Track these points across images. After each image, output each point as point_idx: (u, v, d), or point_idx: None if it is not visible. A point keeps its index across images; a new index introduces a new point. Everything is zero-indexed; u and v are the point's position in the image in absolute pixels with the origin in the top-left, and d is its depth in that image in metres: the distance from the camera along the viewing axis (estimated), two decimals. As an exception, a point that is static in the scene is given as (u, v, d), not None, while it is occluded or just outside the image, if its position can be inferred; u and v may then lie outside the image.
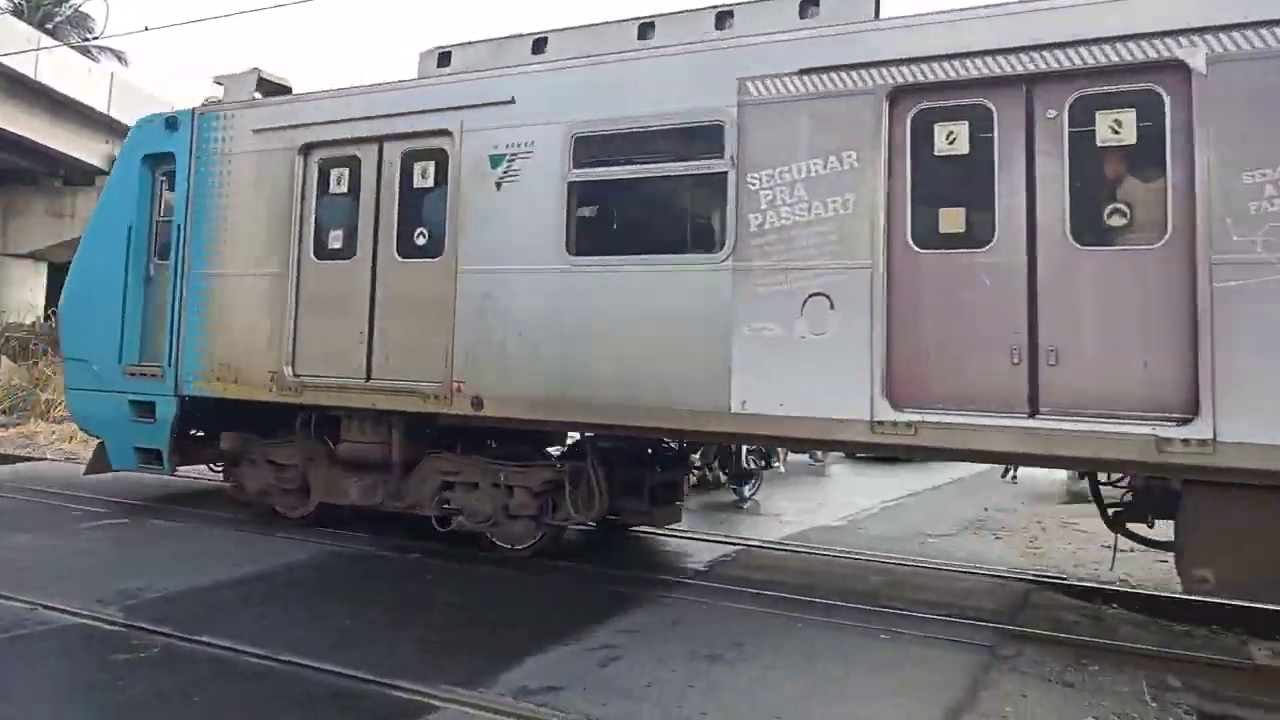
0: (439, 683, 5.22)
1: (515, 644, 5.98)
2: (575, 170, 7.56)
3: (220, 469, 10.18)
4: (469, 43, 8.55)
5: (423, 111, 8.30)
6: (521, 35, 8.28)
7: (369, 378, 8.44)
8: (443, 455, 8.48)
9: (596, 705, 5.01)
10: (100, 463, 10.31)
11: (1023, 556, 9.59)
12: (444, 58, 8.60)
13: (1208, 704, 5.10)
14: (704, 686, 5.37)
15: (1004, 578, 8.36)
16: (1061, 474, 13.19)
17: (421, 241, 8.39)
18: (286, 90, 9.77)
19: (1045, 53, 6.10)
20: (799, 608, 7.07)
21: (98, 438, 10.30)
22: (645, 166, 7.44)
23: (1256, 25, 5.57)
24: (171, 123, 9.76)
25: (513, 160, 7.81)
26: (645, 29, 7.48)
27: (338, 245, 8.85)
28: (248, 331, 9.11)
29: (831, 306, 6.56)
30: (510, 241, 7.80)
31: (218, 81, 9.88)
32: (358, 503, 8.76)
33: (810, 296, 6.63)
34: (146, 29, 19.77)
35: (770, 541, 9.77)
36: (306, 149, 8.90)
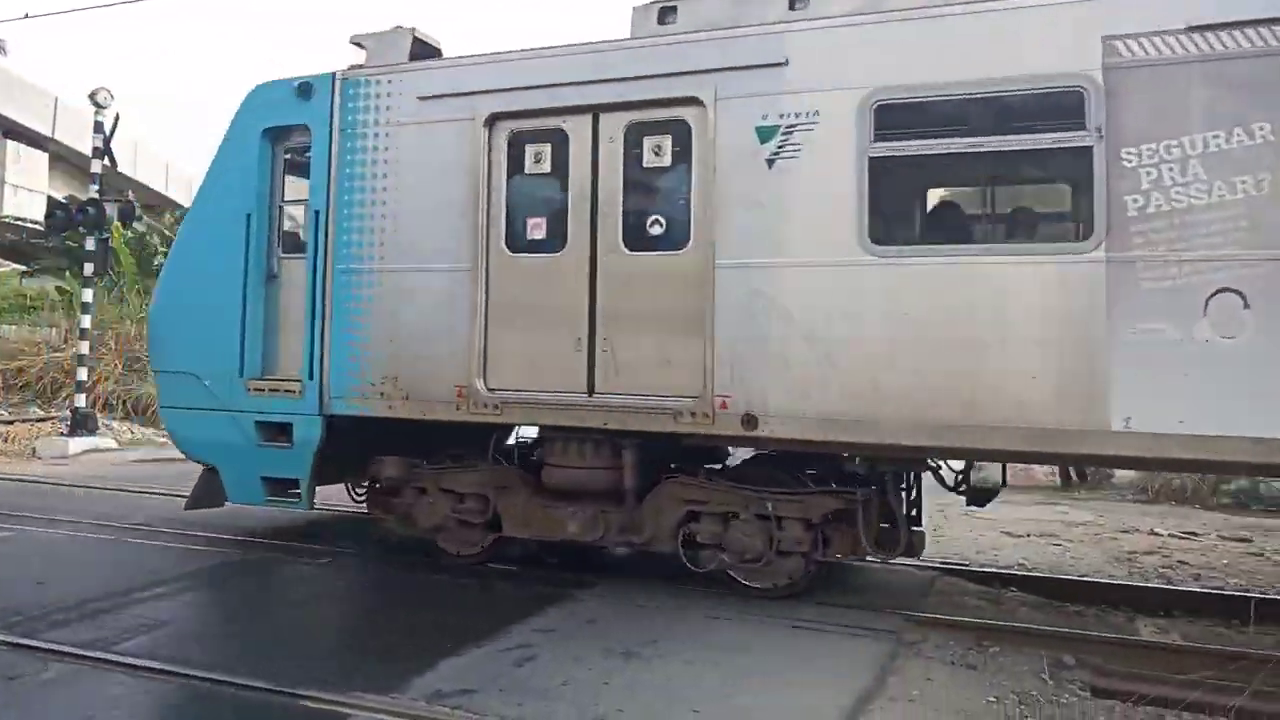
0: (350, 690, 5.14)
1: (429, 648, 5.89)
2: (877, 144, 6.38)
3: (361, 497, 8.67)
4: (696, -2, 7.23)
5: (657, 76, 6.98)
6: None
7: (592, 392, 7.11)
8: (685, 481, 7.22)
9: (511, 706, 5.02)
10: (209, 495, 8.69)
11: (929, 544, 8.77)
12: (666, 13, 7.27)
13: (1099, 679, 5.31)
14: (620, 684, 5.40)
15: (910, 567, 8.16)
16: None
17: (657, 231, 7.09)
18: (438, 53, 8.31)
19: None
20: (717, 604, 6.97)
21: (206, 465, 8.67)
22: (972, 140, 6.28)
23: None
24: (304, 90, 8.16)
25: (790, 133, 6.58)
26: (971, -26, 6.30)
27: (539, 235, 7.46)
28: (422, 338, 7.64)
29: (1245, 305, 5.57)
30: (789, 229, 6.58)
31: (356, 43, 8.32)
32: (577, 538, 7.42)
33: (1215, 293, 5.62)
34: (27, 15, 18.04)
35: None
36: (493, 120, 7.48)
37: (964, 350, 6.09)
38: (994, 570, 8.32)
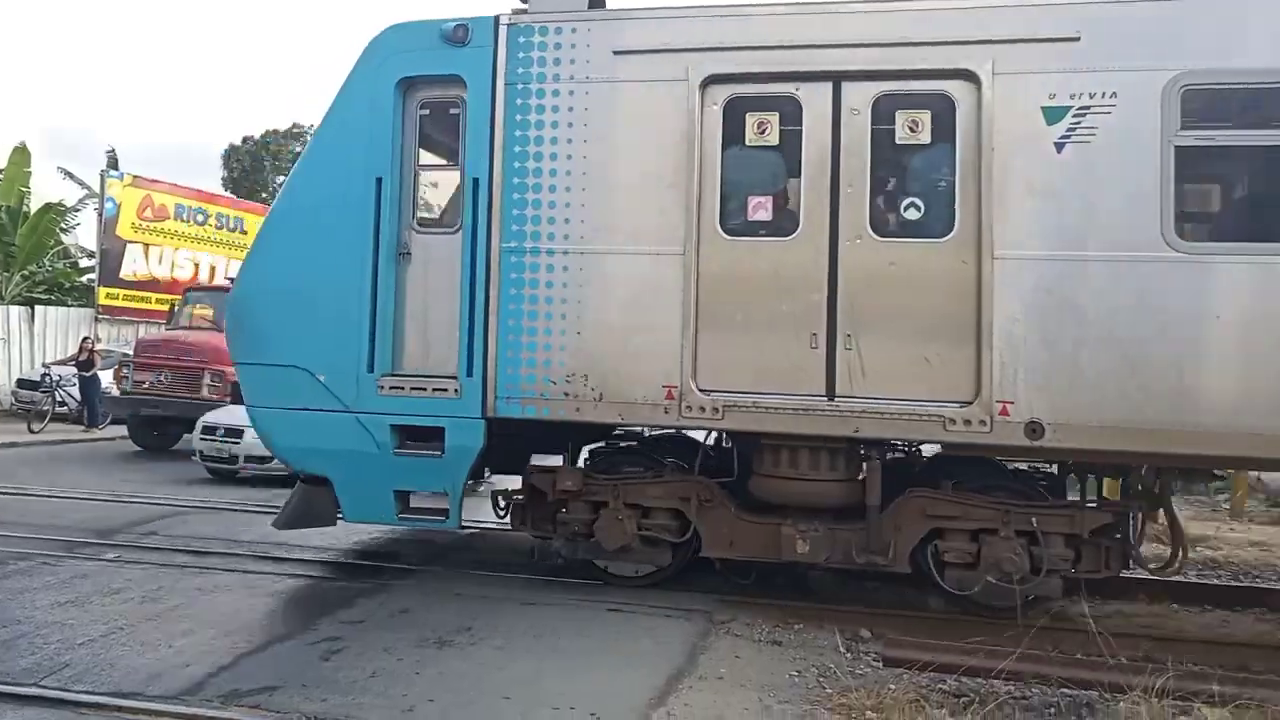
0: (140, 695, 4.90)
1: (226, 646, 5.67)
2: (1184, 132, 5.90)
3: (504, 511, 7.49)
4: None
5: (919, 44, 6.25)
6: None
7: (832, 396, 6.33)
8: (932, 495, 6.55)
9: (315, 701, 4.85)
10: (311, 512, 7.31)
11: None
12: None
13: (890, 650, 5.54)
14: (432, 673, 5.33)
15: None
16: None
17: (913, 216, 6.37)
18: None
19: None
20: (533, 590, 7.06)
21: (315, 477, 7.27)
22: (1300, 132, 5.87)
23: None
24: (456, 35, 6.90)
25: (1082, 115, 6.01)
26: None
27: (763, 216, 6.59)
28: (621, 331, 6.61)
29: None
30: (1083, 220, 6.02)
31: (514, -16, 7.12)
32: (806, 559, 6.60)
33: None
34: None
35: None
36: (709, 83, 6.53)
37: (1282, 355, 5.71)
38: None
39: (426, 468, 6.88)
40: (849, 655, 5.93)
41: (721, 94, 6.56)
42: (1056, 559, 6.34)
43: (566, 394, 6.65)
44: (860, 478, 6.68)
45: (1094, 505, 6.47)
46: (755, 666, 5.64)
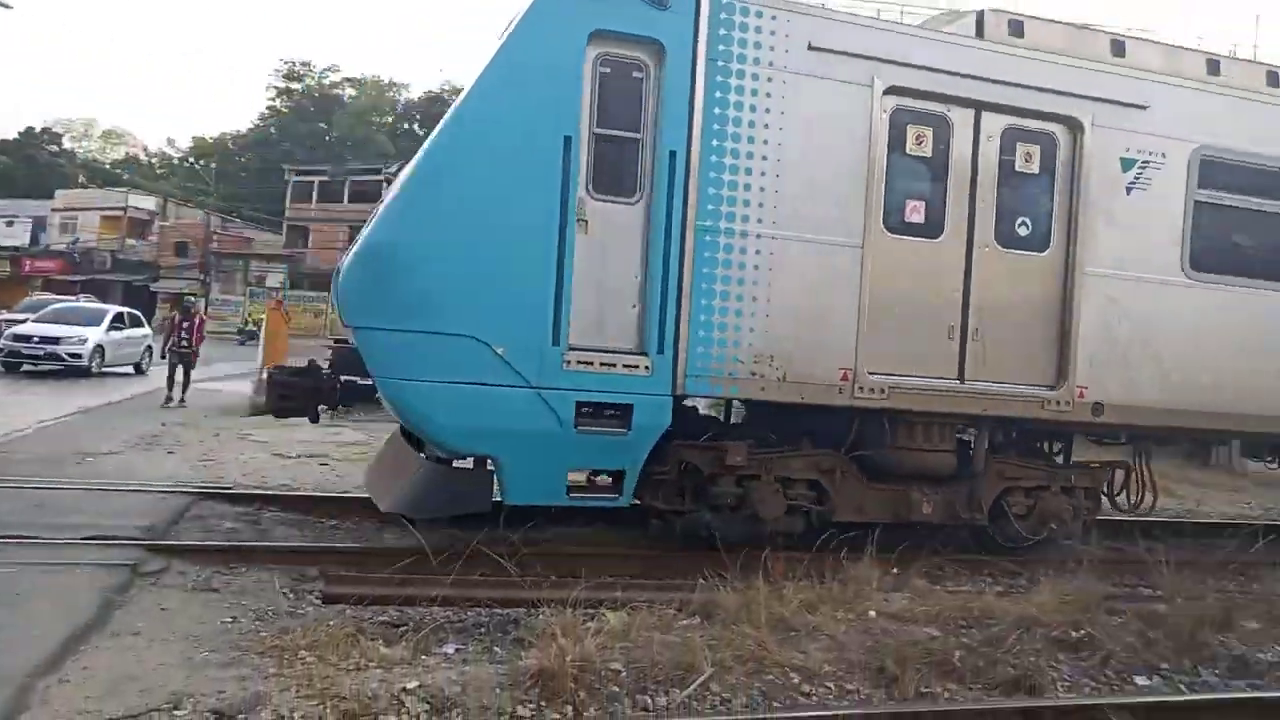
0: None
1: None
2: (1200, 190, 7.99)
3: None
4: (1042, 19, 7.92)
5: (1042, 90, 7.54)
6: (1094, 28, 8.11)
7: (963, 379, 7.52)
8: (1007, 461, 8.03)
9: None
10: (461, 493, 6.65)
11: (193, 469, 9.80)
12: (1015, 26, 7.78)
13: (332, 587, 5.86)
14: None
15: (164, 492, 8.30)
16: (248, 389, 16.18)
17: (1024, 232, 7.71)
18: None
19: None
20: None
21: (479, 456, 6.58)
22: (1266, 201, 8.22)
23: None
24: (659, -2, 6.61)
25: (1144, 168, 7.84)
26: (1275, 76, 8.21)
27: (917, 219, 7.45)
28: (807, 316, 7.06)
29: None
30: (1138, 249, 7.87)
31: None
32: (932, 519, 7.68)
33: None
34: None
35: None
36: (887, 92, 7.20)
37: (1248, 359, 8.14)
38: (257, 491, 8.62)
39: (607, 445, 6.69)
40: (291, 595, 5.90)
41: (891, 104, 7.24)
42: (1084, 508, 8.26)
43: (753, 374, 6.93)
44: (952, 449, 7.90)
45: (1111, 462, 8.49)
46: (184, 617, 5.32)
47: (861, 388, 7.17)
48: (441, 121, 6.78)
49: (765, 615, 5.30)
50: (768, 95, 6.89)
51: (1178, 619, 5.91)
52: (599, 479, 7.46)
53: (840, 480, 7.59)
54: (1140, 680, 5.45)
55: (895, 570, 6.77)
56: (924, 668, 5.07)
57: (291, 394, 7.40)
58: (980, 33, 7.66)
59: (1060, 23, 8.01)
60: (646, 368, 6.68)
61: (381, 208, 6.86)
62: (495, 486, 6.72)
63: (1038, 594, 6.16)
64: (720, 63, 6.78)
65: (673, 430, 6.84)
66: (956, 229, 7.47)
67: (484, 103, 6.62)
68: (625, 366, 6.66)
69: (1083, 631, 5.69)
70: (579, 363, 6.57)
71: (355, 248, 6.79)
